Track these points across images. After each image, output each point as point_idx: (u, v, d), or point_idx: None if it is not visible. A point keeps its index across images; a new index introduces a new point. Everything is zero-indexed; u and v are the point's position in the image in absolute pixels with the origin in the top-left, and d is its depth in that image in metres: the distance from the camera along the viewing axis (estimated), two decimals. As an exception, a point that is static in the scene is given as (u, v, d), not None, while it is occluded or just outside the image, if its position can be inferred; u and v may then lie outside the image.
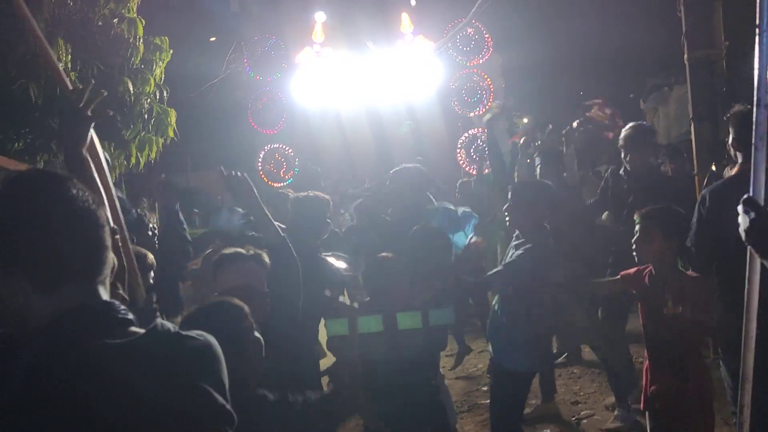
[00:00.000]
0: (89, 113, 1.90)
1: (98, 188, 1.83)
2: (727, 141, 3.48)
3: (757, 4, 1.80)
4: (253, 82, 9.62)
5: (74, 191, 1.21)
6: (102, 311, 1.19)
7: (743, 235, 1.79)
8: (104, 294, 1.23)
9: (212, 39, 11.37)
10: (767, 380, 2.23)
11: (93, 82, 2.05)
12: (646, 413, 3.29)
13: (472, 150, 8.49)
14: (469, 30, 8.25)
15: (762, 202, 1.82)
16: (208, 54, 10.42)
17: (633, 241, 3.16)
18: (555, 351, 6.45)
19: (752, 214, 1.76)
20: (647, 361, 3.27)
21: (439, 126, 9.36)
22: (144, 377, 1.12)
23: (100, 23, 6.06)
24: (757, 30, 1.82)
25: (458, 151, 8.80)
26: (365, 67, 8.38)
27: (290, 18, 9.37)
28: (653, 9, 7.79)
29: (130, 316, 1.21)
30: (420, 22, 8.72)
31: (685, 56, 5.83)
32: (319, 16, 8.72)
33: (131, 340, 1.16)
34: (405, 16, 8.40)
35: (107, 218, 1.29)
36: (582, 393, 5.42)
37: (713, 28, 5.85)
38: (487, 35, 8.72)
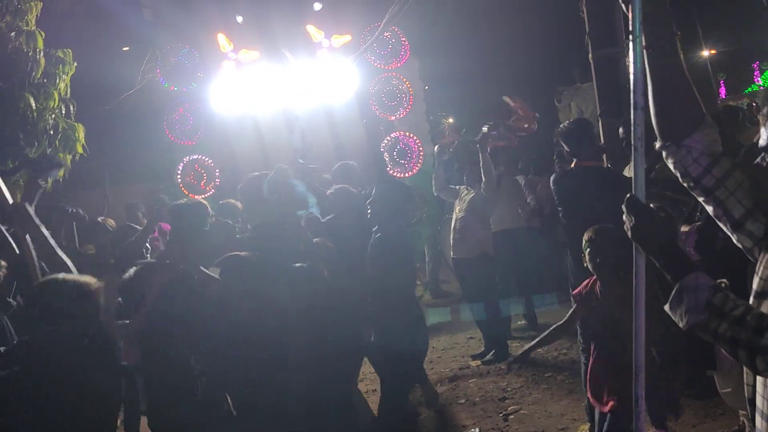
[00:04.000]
0: None
1: None
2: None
3: (630, 12, 1.87)
4: (170, 92, 9.33)
5: None
6: None
7: (628, 233, 1.85)
8: None
9: (125, 48, 10.97)
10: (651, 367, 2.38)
11: None
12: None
13: (395, 153, 8.51)
14: (386, 34, 8.28)
15: (643, 200, 1.89)
16: (123, 64, 10.04)
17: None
18: (482, 350, 6.55)
19: (635, 212, 1.83)
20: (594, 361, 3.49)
21: (359, 130, 9.37)
22: None
23: (-5, 38, 5.73)
24: (630, 36, 1.89)
25: (383, 154, 8.82)
26: (282, 74, 8.29)
27: (205, 27, 9.14)
28: (563, 17, 8.13)
29: None
30: (335, 24, 8.69)
31: (590, 55, 6.05)
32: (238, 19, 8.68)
33: None
34: (311, 28, 8.41)
35: None
36: (509, 389, 5.52)
37: (615, 28, 6.09)
38: (404, 39, 8.79)
